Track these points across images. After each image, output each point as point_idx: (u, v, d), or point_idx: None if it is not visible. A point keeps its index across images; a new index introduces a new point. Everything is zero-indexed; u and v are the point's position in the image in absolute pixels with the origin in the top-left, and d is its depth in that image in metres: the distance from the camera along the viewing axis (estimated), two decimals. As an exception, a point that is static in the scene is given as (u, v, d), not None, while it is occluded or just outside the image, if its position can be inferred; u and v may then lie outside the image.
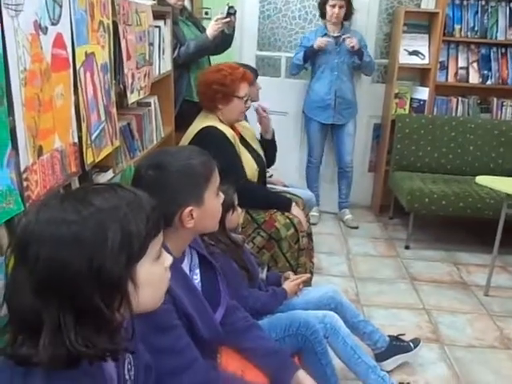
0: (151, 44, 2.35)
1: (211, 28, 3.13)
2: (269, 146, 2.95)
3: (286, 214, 2.64)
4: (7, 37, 1.10)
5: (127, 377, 1.02)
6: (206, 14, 4.10)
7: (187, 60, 3.07)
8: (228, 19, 3.12)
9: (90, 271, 0.80)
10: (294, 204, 2.70)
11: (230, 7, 3.12)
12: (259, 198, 2.65)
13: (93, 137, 1.65)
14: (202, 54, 3.22)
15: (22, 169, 1.20)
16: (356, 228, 4.14)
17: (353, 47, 3.74)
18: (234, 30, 3.32)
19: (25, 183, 1.21)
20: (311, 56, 3.87)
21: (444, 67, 4.07)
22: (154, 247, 0.91)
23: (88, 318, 0.82)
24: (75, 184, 1.57)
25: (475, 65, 4.06)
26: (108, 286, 0.82)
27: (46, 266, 0.80)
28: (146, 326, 1.12)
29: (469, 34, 3.97)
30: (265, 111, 2.92)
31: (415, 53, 4.07)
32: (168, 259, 0.97)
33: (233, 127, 2.70)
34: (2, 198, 1.12)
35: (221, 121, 2.63)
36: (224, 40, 3.29)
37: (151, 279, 0.91)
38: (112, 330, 0.86)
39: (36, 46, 1.24)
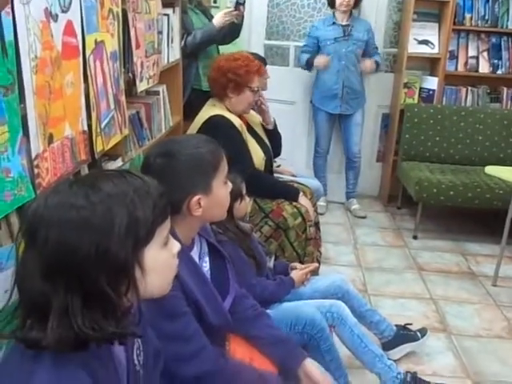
0: (160, 32, 2.35)
1: (219, 18, 3.11)
2: (272, 136, 2.95)
3: (294, 203, 2.64)
4: (18, 24, 1.11)
5: (136, 362, 1.03)
6: (215, 1, 4.09)
7: (194, 49, 3.06)
8: (237, 11, 3.11)
9: (96, 255, 0.82)
10: (301, 193, 2.71)
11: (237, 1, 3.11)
12: (267, 187, 2.65)
13: (102, 125, 1.66)
14: (208, 44, 3.20)
15: (33, 156, 1.21)
16: (364, 218, 4.13)
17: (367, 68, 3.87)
18: (242, 20, 3.30)
19: (36, 170, 1.23)
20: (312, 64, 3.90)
21: (454, 56, 4.03)
22: (161, 233, 0.92)
23: (95, 302, 0.83)
24: (85, 172, 1.58)
25: (485, 54, 4.02)
26: (114, 269, 0.84)
27: (54, 250, 0.81)
28: (155, 313, 1.14)
29: (479, 22, 3.93)
30: (263, 102, 2.91)
31: (425, 42, 4.03)
32: (176, 246, 0.97)
33: (240, 116, 2.70)
34: (14, 185, 1.13)
35: (228, 110, 2.63)
36: (232, 30, 3.28)
37: (158, 265, 0.92)
38: (119, 314, 0.87)
39: (47, 33, 1.24)
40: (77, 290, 0.82)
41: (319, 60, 3.83)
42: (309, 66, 3.91)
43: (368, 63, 3.87)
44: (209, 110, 2.61)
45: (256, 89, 2.64)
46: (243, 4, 3.14)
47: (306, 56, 3.90)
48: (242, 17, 3.26)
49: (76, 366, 0.83)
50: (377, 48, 3.95)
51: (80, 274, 0.82)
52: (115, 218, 0.83)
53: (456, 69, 4.05)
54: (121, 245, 0.84)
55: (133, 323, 0.94)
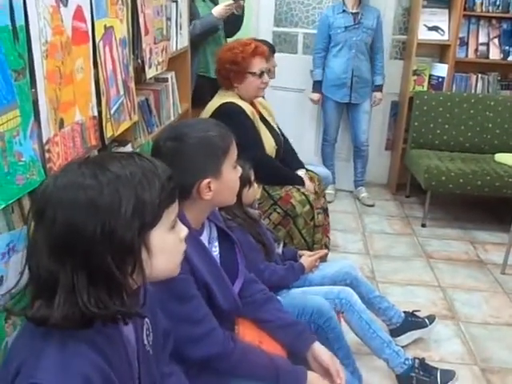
0: (168, 19, 2.34)
1: (220, 10, 3.13)
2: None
3: (302, 190, 2.65)
4: (29, 8, 1.11)
5: (146, 342, 1.05)
6: (223, -11, 4.06)
7: (194, 40, 3.05)
8: (236, 3, 3.15)
9: (102, 235, 0.83)
10: (306, 177, 2.71)
11: None
12: (275, 173, 2.65)
13: (112, 111, 1.67)
14: (208, 34, 3.20)
15: (45, 140, 1.22)
16: (372, 206, 4.13)
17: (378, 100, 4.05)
18: (243, 12, 3.33)
19: (47, 155, 1.24)
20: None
21: (464, 43, 3.99)
22: (168, 216, 0.92)
23: (101, 281, 0.85)
24: (95, 157, 1.59)
25: (496, 40, 3.98)
26: (120, 250, 0.85)
27: (61, 229, 0.82)
28: (165, 295, 1.15)
29: (490, 8, 3.87)
30: None
31: (435, 28, 3.99)
32: (183, 231, 0.98)
33: (253, 104, 2.69)
34: (26, 169, 1.14)
35: (240, 97, 2.62)
36: (234, 21, 3.30)
37: (165, 247, 0.93)
38: (124, 294, 0.88)
39: (57, 18, 1.25)
40: (83, 269, 0.83)
41: (314, 100, 4.08)
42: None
43: (378, 95, 4.01)
44: (221, 98, 2.61)
45: (259, 72, 2.59)
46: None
47: (318, 70, 3.97)
48: (243, 8, 3.28)
49: (85, 344, 0.85)
50: (382, 46, 3.92)
51: (86, 253, 0.83)
52: (122, 199, 0.84)
53: (466, 56, 4.01)
54: (127, 226, 0.85)
55: (138, 304, 0.95)
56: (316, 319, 1.78)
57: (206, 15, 3.16)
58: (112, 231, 0.83)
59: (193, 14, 3.04)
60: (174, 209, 0.95)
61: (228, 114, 2.47)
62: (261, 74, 2.60)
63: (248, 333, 1.49)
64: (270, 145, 2.67)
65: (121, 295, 0.87)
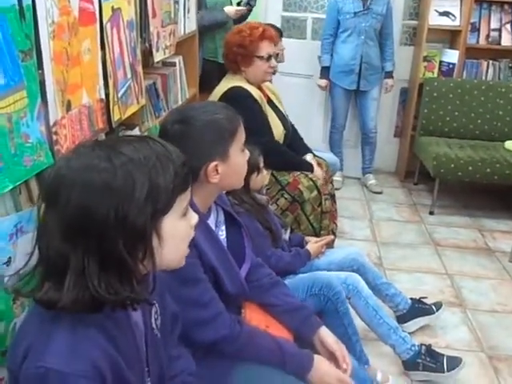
0: (176, 2, 2.32)
1: (232, 11, 3.18)
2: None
3: (310, 176, 2.63)
4: (36, -12, 1.10)
5: (154, 326, 1.05)
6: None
7: (201, 30, 3.03)
8: (246, 9, 3.23)
9: (115, 219, 0.82)
10: (315, 164, 2.71)
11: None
12: (283, 158, 2.63)
13: (119, 94, 1.66)
14: (216, 27, 3.21)
15: (52, 122, 1.22)
16: (380, 193, 4.11)
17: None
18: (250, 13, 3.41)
19: (54, 137, 1.23)
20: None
21: (475, 29, 3.94)
22: (181, 203, 0.91)
23: (111, 265, 0.84)
24: (102, 141, 1.58)
25: (508, 26, 3.92)
26: (132, 235, 0.84)
27: (74, 211, 0.82)
28: (173, 278, 1.15)
29: (503, -7, 3.82)
30: None
31: (446, 13, 3.94)
32: (194, 218, 0.97)
33: (260, 89, 2.67)
34: (33, 151, 1.14)
35: (248, 81, 2.60)
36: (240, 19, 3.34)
37: (176, 234, 0.92)
38: (134, 280, 0.88)
39: (64, -2, 1.23)
40: (94, 253, 0.83)
41: (321, 86, 4.03)
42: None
43: (390, 82, 3.98)
44: (228, 82, 2.59)
45: (266, 55, 2.56)
46: (255, 5, 3.28)
47: (326, 56, 3.93)
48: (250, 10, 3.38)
49: (94, 329, 0.85)
50: (392, 32, 3.88)
51: (98, 235, 0.82)
52: (136, 183, 0.83)
53: (477, 42, 3.96)
54: (140, 211, 0.84)
55: (147, 290, 0.94)
56: (326, 292, 1.79)
57: (216, 10, 3.15)
58: (125, 215, 0.82)
59: (200, 1, 3.02)
60: (187, 196, 0.94)
61: (235, 98, 2.45)
62: (268, 58, 2.58)
63: (255, 317, 1.50)
64: (278, 129, 2.65)
65: (131, 281, 0.87)
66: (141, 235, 0.85)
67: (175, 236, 0.92)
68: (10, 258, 1.06)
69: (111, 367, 0.84)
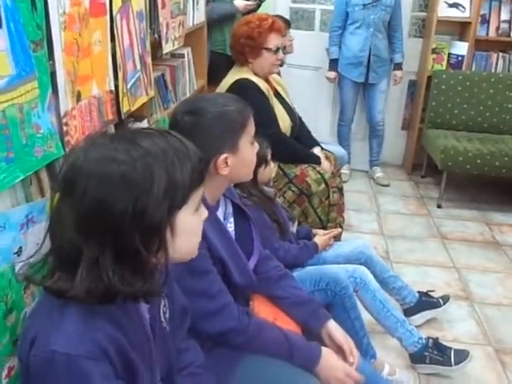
0: (185, -7, 2.32)
1: (242, 4, 3.21)
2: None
3: (318, 169, 2.63)
4: (47, -22, 1.10)
5: (162, 319, 1.05)
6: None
7: (210, 23, 3.03)
8: (255, 3, 3.28)
9: (133, 212, 0.82)
10: (323, 157, 2.70)
11: None
12: (290, 151, 2.63)
13: (128, 85, 1.66)
14: (225, 20, 3.21)
15: (62, 113, 1.22)
16: (387, 186, 4.10)
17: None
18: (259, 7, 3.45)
19: (64, 128, 1.23)
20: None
21: (485, 21, 3.90)
22: (195, 198, 0.92)
23: (126, 258, 0.84)
24: (111, 132, 1.58)
25: (519, 18, 3.88)
26: (148, 229, 0.84)
27: (92, 202, 0.82)
28: (181, 270, 1.15)
29: (513, -16, 3.78)
30: None
31: (455, 5, 3.90)
32: (205, 213, 0.98)
33: (267, 81, 2.66)
34: (44, 142, 1.14)
35: (255, 73, 2.59)
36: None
37: (188, 229, 0.92)
38: (147, 272, 0.88)
39: (74, -11, 1.23)
40: (110, 245, 0.83)
41: (329, 78, 4.01)
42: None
43: (399, 74, 3.96)
44: (235, 74, 2.58)
45: (275, 48, 2.55)
46: (264, 1, 3.36)
47: (335, 48, 3.91)
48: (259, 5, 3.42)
49: (103, 319, 0.85)
50: (401, 23, 3.85)
51: (115, 229, 0.82)
52: (155, 176, 0.83)
53: (487, 34, 3.92)
54: (157, 206, 0.84)
55: (159, 283, 0.95)
56: (333, 287, 1.79)
57: (225, 3, 3.15)
58: (143, 210, 0.82)
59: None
60: (200, 191, 0.94)
61: (242, 90, 2.44)
62: (276, 51, 2.56)
63: (263, 309, 1.50)
64: (285, 122, 2.65)
65: (144, 273, 0.88)
66: (157, 229, 0.85)
67: (188, 230, 0.92)
68: (20, 247, 1.07)
69: (117, 349, 0.85)
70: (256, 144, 1.42)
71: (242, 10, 3.20)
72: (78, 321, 0.83)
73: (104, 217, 0.82)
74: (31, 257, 0.91)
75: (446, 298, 2.43)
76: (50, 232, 0.87)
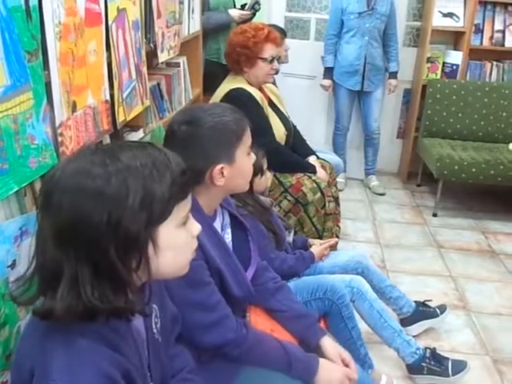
0: (181, 2, 2.32)
1: (236, 14, 3.20)
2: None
3: (313, 178, 2.62)
4: (42, -12, 1.09)
5: (155, 330, 1.03)
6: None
7: (206, 32, 3.03)
8: (251, 13, 3.25)
9: (108, 225, 0.80)
10: (318, 166, 2.70)
11: (256, 2, 3.24)
12: (286, 161, 2.62)
13: (124, 95, 1.65)
14: (221, 29, 3.21)
15: (57, 124, 1.21)
16: (383, 195, 4.10)
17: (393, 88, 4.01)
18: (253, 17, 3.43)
19: (59, 138, 1.22)
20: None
21: (479, 30, 3.92)
22: (179, 212, 0.89)
23: (104, 273, 0.82)
24: (107, 142, 1.57)
25: (512, 28, 3.91)
26: (125, 242, 0.82)
27: (66, 216, 0.80)
28: (178, 281, 1.13)
29: (507, -5, 3.81)
30: None
31: (450, 15, 3.92)
32: (196, 228, 0.95)
33: (261, 90, 2.66)
34: (38, 153, 1.13)
35: (249, 83, 2.59)
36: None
37: (174, 244, 0.89)
38: (128, 290, 0.86)
39: (70, -1, 1.22)
40: (86, 259, 0.81)
41: (325, 87, 4.01)
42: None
43: (393, 82, 3.96)
44: (229, 83, 2.58)
45: (270, 58, 2.55)
46: (258, 10, 3.30)
47: (330, 56, 3.92)
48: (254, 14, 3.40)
49: (92, 339, 0.83)
50: (396, 32, 3.87)
51: (90, 241, 0.80)
52: (130, 190, 0.82)
53: (481, 43, 3.95)
54: (133, 218, 0.82)
55: (142, 301, 0.92)
56: (330, 296, 1.78)
57: (221, 12, 3.15)
58: (118, 221, 0.81)
59: (204, 2, 3.02)
60: (186, 204, 0.91)
61: (237, 99, 2.44)
62: (271, 61, 2.57)
63: (260, 321, 1.48)
64: (279, 131, 2.64)
65: (125, 291, 0.85)
66: (134, 243, 0.83)
67: (173, 245, 0.89)
68: (14, 260, 1.06)
69: (122, 374, 0.83)
70: (253, 155, 1.41)
71: (237, 19, 3.20)
72: (69, 346, 0.81)
73: (79, 229, 0.80)
74: (22, 277, 0.88)
75: (443, 308, 2.41)
76: (35, 249, 0.85)
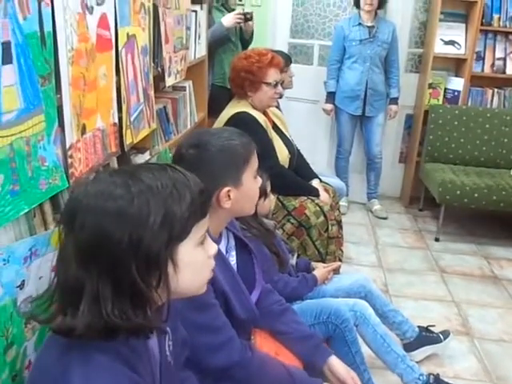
0: (188, 28, 2.36)
1: (229, 18, 3.18)
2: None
3: (316, 201, 2.64)
4: (57, 15, 1.13)
5: (167, 352, 1.04)
6: (240, 0, 4.10)
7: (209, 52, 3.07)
8: (243, 17, 3.22)
9: (129, 243, 0.82)
10: (321, 189, 2.71)
11: (246, 13, 3.23)
12: (290, 184, 2.64)
13: (132, 118, 1.67)
14: (219, 44, 3.24)
15: (67, 146, 1.23)
16: (385, 219, 4.11)
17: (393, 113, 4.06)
18: (252, 36, 3.44)
19: (69, 160, 1.24)
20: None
21: (480, 58, 3.97)
22: (198, 231, 0.91)
23: (125, 291, 0.84)
24: (114, 164, 1.59)
25: (513, 55, 3.96)
26: (146, 261, 0.84)
27: (89, 236, 0.82)
28: (184, 303, 1.14)
29: (507, 23, 3.85)
30: None
31: (451, 42, 3.98)
32: (213, 248, 0.97)
33: (265, 113, 2.70)
34: (49, 174, 1.15)
35: (253, 107, 2.63)
36: (243, 42, 3.41)
37: (192, 263, 0.91)
38: (148, 308, 0.87)
39: (83, 25, 1.26)
40: (108, 277, 0.83)
41: (326, 108, 4.05)
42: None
43: (394, 108, 4.01)
44: (234, 107, 2.61)
45: (274, 82, 2.59)
46: (251, 19, 3.27)
47: (332, 81, 3.98)
48: (252, 31, 3.40)
49: (110, 356, 0.83)
50: (397, 59, 3.93)
51: (112, 260, 0.82)
52: (151, 210, 0.84)
53: (482, 70, 4.00)
54: (154, 237, 0.84)
55: (161, 319, 0.94)
56: (334, 320, 1.78)
57: (216, 24, 3.19)
58: (139, 240, 0.83)
59: (210, 25, 3.06)
60: (204, 224, 0.93)
61: (241, 123, 2.45)
62: (275, 85, 2.61)
63: (265, 344, 1.48)
64: (283, 154, 2.67)
65: (144, 309, 0.87)
66: (155, 261, 0.85)
67: (191, 264, 0.91)
68: (23, 281, 1.06)
69: None
70: (259, 178, 1.43)
71: (232, 22, 3.18)
72: (87, 364, 0.81)
73: (101, 248, 0.82)
74: (41, 295, 0.89)
75: (446, 334, 2.40)
76: (56, 268, 0.87)
